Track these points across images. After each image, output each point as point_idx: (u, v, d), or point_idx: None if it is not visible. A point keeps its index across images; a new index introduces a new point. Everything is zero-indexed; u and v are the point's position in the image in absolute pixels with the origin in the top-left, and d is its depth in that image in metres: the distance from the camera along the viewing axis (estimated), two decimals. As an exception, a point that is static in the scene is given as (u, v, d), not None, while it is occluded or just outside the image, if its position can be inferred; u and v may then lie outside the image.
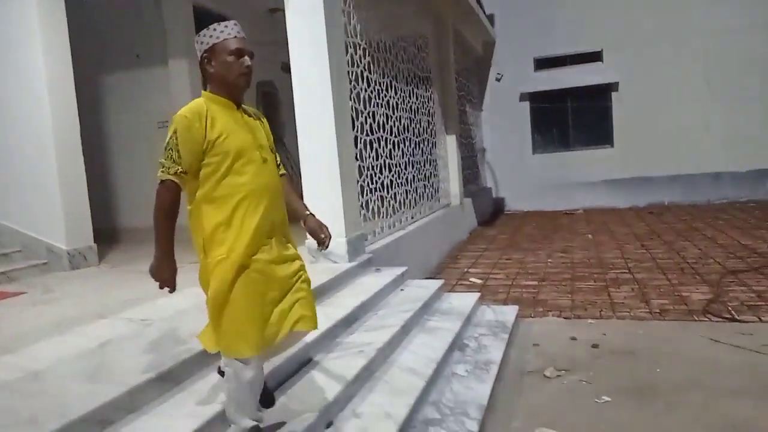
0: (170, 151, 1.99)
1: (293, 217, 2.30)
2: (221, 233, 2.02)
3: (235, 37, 2.07)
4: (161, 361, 2.48)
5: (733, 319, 4.44)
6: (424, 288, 4.51)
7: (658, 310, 4.77)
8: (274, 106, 8.95)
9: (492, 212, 11.96)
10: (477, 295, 4.74)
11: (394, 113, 6.38)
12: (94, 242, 5.33)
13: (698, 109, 11.33)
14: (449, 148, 8.75)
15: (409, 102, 7.03)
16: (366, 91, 5.53)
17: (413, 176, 7.02)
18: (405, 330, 3.63)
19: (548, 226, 10.00)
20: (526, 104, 12.53)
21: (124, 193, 7.56)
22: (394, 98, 6.41)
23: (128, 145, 7.47)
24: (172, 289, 2.10)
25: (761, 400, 3.11)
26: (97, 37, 7.36)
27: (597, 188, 11.89)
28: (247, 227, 2.02)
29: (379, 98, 5.91)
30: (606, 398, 3.23)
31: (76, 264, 5.09)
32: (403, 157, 6.62)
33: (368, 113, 5.56)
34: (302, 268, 2.21)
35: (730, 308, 4.66)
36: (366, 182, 5.35)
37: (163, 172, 2.00)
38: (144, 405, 2.26)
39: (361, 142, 5.31)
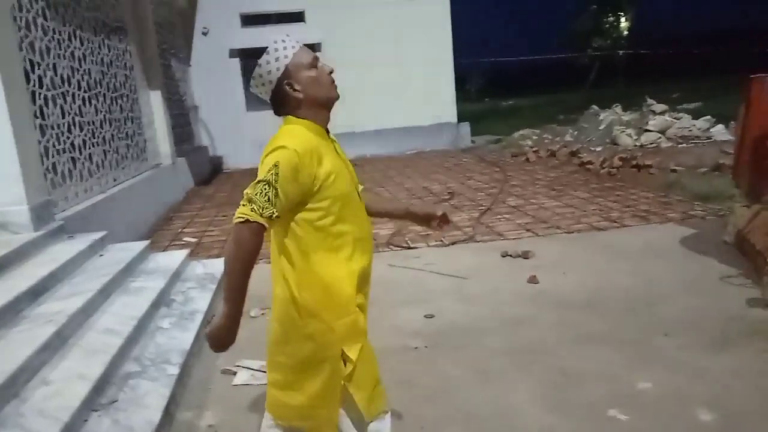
0: (266, 187, 1.56)
1: (395, 217, 2.14)
2: (340, 291, 1.71)
3: (300, 47, 1.71)
4: None
5: (408, 247, 5.39)
6: (127, 251, 4.36)
7: (352, 247, 5.48)
8: None
9: (210, 171, 11.81)
10: (185, 252, 4.78)
11: (81, 66, 5.80)
12: None
13: (390, 70, 12.84)
14: (154, 104, 8.31)
15: (100, 54, 6.45)
16: (43, 40, 4.92)
17: (112, 135, 6.53)
18: (104, 294, 3.51)
19: (265, 181, 10.34)
20: (237, 61, 12.52)
21: None
22: (80, 49, 5.82)
23: None
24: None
25: (423, 303, 3.94)
26: None
27: (309, 143, 12.65)
28: (355, 281, 1.74)
29: (60, 48, 5.31)
30: (302, 325, 3.68)
31: None
32: (97, 115, 6.10)
33: (47, 65, 4.97)
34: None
35: (406, 239, 5.62)
36: (51, 143, 4.83)
37: (252, 211, 1.54)
38: None
39: (40, 98, 4.74)
